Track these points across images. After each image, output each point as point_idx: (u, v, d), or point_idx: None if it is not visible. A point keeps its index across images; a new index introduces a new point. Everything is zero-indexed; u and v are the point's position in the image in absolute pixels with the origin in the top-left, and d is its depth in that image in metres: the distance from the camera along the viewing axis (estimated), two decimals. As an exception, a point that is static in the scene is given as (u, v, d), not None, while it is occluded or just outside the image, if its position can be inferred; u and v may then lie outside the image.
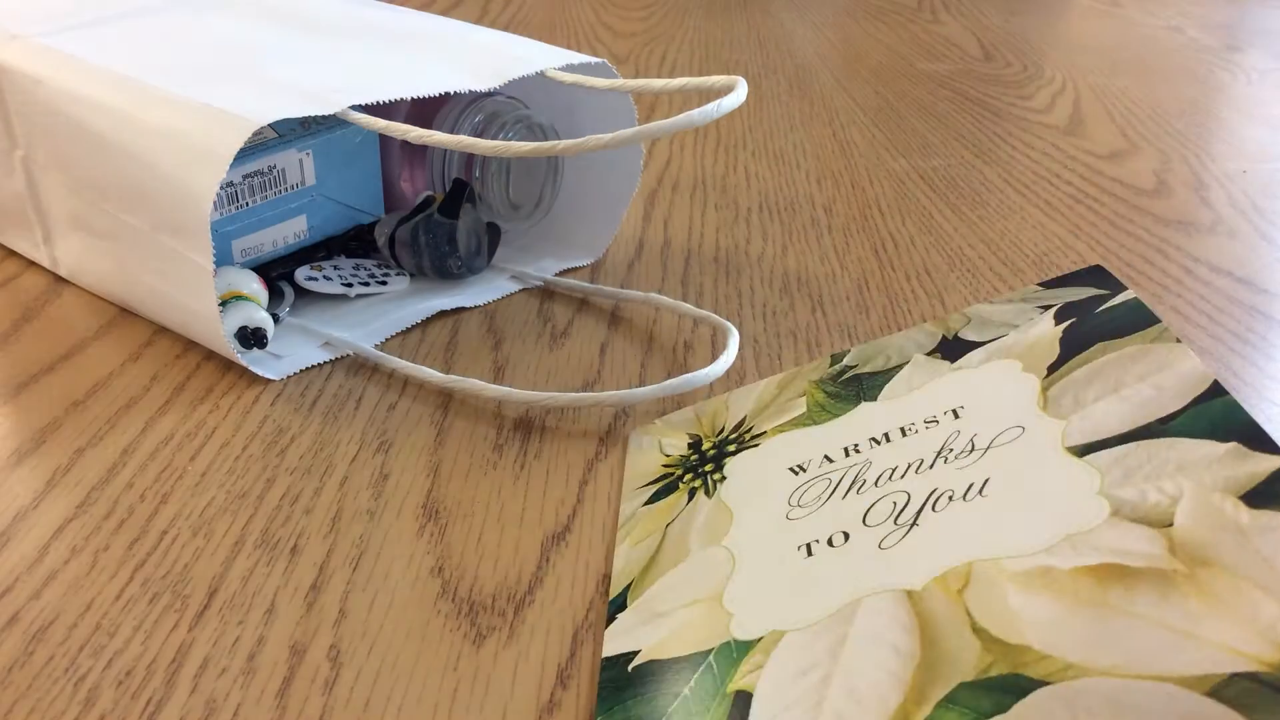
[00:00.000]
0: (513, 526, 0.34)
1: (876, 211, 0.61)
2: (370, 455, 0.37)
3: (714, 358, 0.44)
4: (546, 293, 0.50)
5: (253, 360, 0.43)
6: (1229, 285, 0.52)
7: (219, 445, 0.38)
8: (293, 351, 0.44)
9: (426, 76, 0.44)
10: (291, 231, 0.46)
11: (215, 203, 0.43)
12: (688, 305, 0.46)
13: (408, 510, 0.35)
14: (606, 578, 0.32)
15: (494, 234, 0.49)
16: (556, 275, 0.51)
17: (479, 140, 0.38)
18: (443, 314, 0.48)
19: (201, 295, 0.40)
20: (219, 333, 0.40)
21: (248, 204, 0.44)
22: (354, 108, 0.42)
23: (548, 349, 0.45)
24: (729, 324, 0.44)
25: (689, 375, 0.39)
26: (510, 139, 0.50)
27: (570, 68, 0.48)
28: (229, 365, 0.43)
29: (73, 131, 0.44)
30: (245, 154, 0.44)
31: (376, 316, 0.46)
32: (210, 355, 0.44)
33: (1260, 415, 0.41)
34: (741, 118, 0.80)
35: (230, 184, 0.43)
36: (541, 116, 0.51)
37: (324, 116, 0.46)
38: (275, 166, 0.45)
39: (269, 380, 0.42)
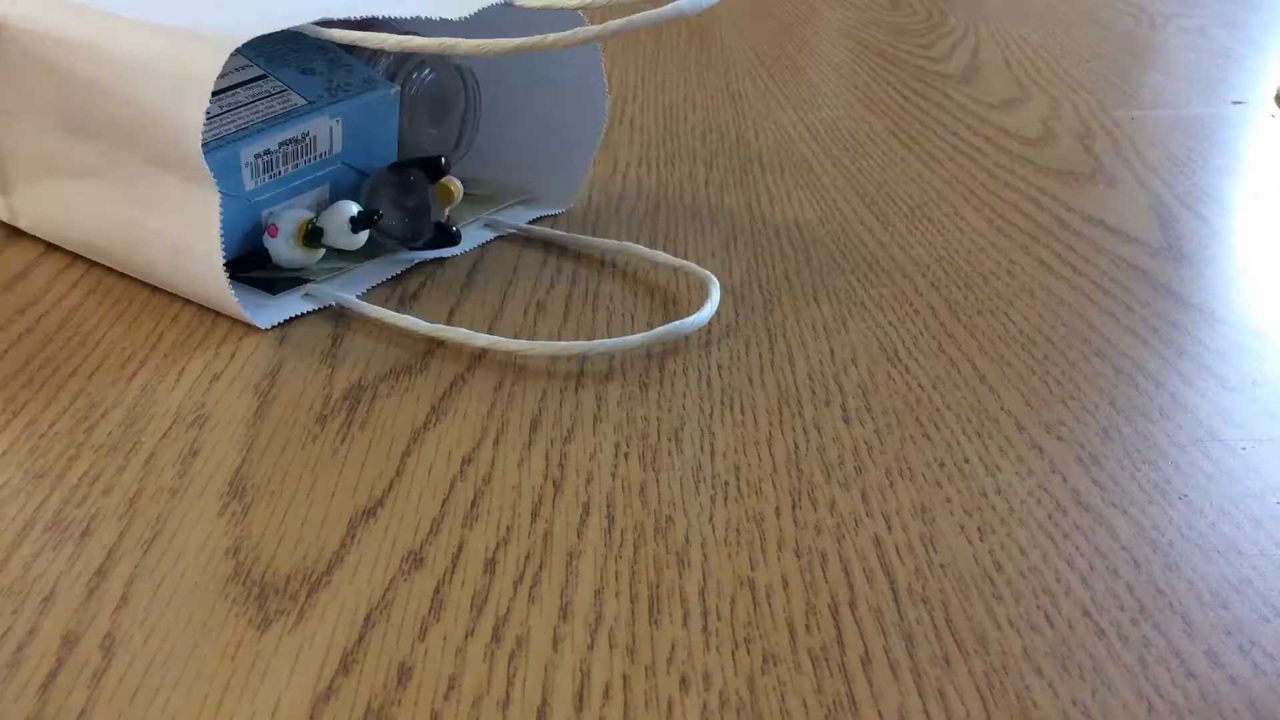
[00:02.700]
0: (322, 503, 0.32)
1: (757, 165, 0.60)
2: (183, 430, 0.36)
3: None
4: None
5: (247, 305, 0.42)
6: (1099, 235, 0.52)
7: (25, 422, 0.36)
8: (278, 302, 0.43)
9: (398, 4, 0.42)
10: (314, 201, 0.45)
11: (252, 171, 0.42)
12: (664, 254, 0.46)
13: (212, 488, 0.33)
14: (413, 554, 0.30)
15: (421, 186, 0.46)
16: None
17: (461, 40, 0.37)
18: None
19: (203, 229, 0.39)
20: (218, 270, 0.39)
21: (280, 173, 0.43)
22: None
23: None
24: (708, 273, 0.44)
25: (676, 324, 0.40)
26: (427, 76, 0.48)
27: None
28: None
29: (41, 71, 0.41)
30: (281, 121, 0.42)
31: (357, 271, 0.46)
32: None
33: (1109, 366, 0.40)
34: (635, 69, 0.78)
35: (267, 151, 0.42)
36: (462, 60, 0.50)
37: (349, 81, 0.45)
38: (309, 134, 0.43)
39: (89, 352, 0.40)
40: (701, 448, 0.35)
